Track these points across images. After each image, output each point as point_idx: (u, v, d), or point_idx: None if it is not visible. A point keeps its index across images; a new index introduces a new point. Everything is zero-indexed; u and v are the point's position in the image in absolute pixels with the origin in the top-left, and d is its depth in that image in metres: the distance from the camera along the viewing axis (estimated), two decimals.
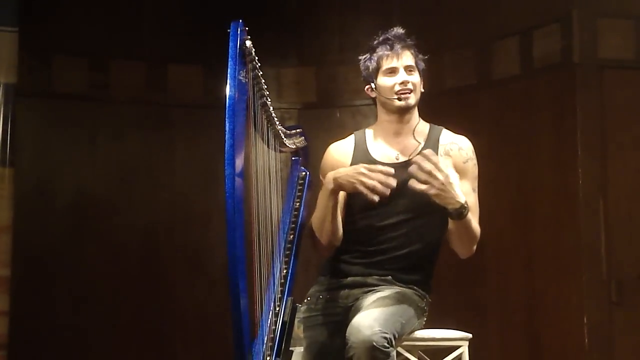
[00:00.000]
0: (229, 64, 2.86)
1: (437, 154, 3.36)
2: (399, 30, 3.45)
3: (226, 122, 2.79)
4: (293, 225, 3.54)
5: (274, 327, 3.14)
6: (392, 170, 3.16)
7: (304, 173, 3.78)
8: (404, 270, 3.35)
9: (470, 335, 3.49)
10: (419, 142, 3.41)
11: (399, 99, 3.36)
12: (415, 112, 3.44)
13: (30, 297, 5.32)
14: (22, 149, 5.25)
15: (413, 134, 3.42)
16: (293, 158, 3.82)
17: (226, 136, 2.78)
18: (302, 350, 3.35)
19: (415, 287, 3.36)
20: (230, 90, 2.83)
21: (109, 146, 5.73)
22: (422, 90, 3.43)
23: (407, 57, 3.40)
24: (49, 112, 5.65)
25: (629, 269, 4.95)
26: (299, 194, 3.69)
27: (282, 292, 3.30)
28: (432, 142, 3.41)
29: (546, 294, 5.06)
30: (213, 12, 5.68)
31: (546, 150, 5.13)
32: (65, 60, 5.67)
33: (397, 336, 3.11)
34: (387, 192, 3.12)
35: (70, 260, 5.54)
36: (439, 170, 3.06)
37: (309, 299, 3.44)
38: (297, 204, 3.64)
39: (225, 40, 2.88)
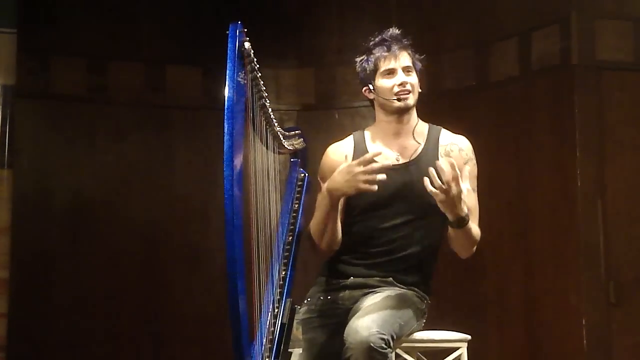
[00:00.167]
0: (227, 66, 2.85)
1: (437, 154, 3.38)
2: (396, 31, 3.45)
3: (225, 123, 2.79)
4: (292, 227, 3.55)
5: (272, 328, 3.14)
6: (380, 152, 3.14)
7: (302, 174, 3.79)
8: (404, 271, 3.35)
9: (469, 337, 3.49)
10: (419, 143, 3.41)
11: (398, 100, 3.36)
12: (414, 112, 3.44)
13: (29, 299, 5.32)
14: (20, 151, 5.25)
15: (413, 134, 3.42)
16: (292, 159, 3.82)
17: (225, 137, 2.78)
18: (300, 351, 3.35)
19: (415, 289, 3.37)
20: (229, 92, 2.83)
21: (108, 148, 5.72)
22: (420, 91, 3.43)
23: (405, 58, 3.41)
24: (47, 114, 5.64)
25: (627, 270, 4.96)
26: (298, 195, 3.69)
27: (281, 294, 3.30)
28: (431, 143, 3.42)
29: (545, 295, 5.06)
30: (212, 14, 5.68)
31: (545, 151, 5.13)
32: (64, 61, 5.66)
33: (395, 337, 3.11)
34: (384, 176, 3.10)
35: (69, 261, 5.54)
36: (458, 183, 3.04)
37: (308, 299, 3.43)
38: (296, 205, 3.65)
39: (224, 41, 2.88)
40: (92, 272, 5.57)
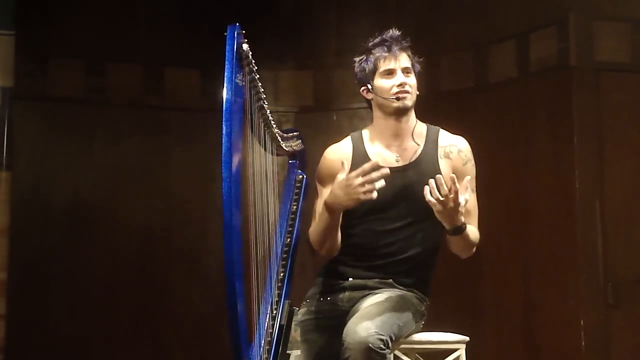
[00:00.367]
0: (225, 67, 2.86)
1: (436, 155, 3.37)
2: (396, 32, 3.44)
3: (223, 125, 2.79)
4: (290, 229, 3.55)
5: (271, 330, 3.14)
6: (377, 162, 3.14)
7: (301, 176, 3.79)
8: (404, 273, 3.35)
9: (467, 338, 3.49)
10: (418, 145, 3.41)
11: (397, 99, 3.35)
12: (412, 114, 3.43)
13: (27, 301, 5.32)
14: (18, 153, 5.25)
15: (412, 135, 3.41)
16: (290, 161, 3.83)
17: (223, 139, 2.78)
18: (299, 353, 3.35)
19: (415, 290, 3.37)
20: (227, 94, 2.83)
21: (106, 149, 5.72)
22: (418, 93, 3.43)
23: (404, 59, 3.40)
24: (45, 116, 5.64)
25: (625, 272, 4.95)
26: (296, 197, 3.70)
27: (279, 295, 3.30)
28: (430, 144, 3.41)
29: (543, 296, 5.06)
30: (210, 16, 5.68)
31: (543, 153, 5.13)
32: (61, 63, 5.66)
33: (393, 338, 3.11)
34: (383, 183, 3.10)
35: (67, 263, 5.53)
36: (457, 197, 3.04)
37: (307, 301, 3.43)
38: (294, 207, 3.65)
39: (222, 43, 2.88)
40: (90, 274, 5.56)
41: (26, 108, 5.43)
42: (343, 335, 3.07)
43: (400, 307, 3.23)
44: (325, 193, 3.35)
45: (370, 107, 3.48)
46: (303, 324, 3.36)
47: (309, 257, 3.47)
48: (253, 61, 2.95)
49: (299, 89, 6.02)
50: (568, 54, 5.01)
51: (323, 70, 5.99)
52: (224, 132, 2.79)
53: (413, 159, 3.38)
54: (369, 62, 3.41)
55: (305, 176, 3.78)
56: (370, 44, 3.44)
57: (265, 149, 3.31)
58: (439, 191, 3.03)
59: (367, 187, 3.07)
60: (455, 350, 3.44)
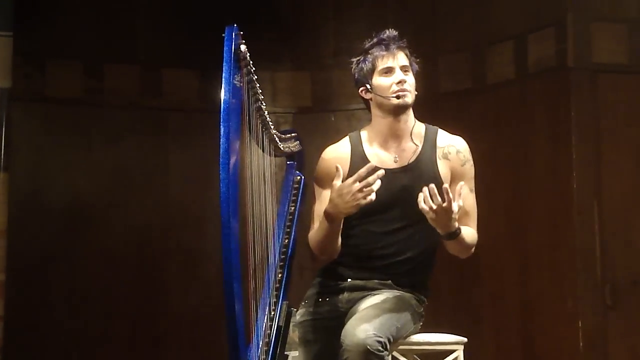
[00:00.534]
0: (223, 68, 2.86)
1: (435, 156, 3.37)
2: (393, 32, 3.44)
3: (221, 126, 2.79)
4: (288, 230, 3.55)
5: (269, 331, 3.14)
6: (373, 164, 3.13)
7: (299, 177, 3.79)
8: (403, 274, 3.35)
9: (465, 339, 3.49)
10: (417, 145, 3.40)
11: (397, 97, 3.35)
12: (411, 113, 3.42)
13: (26, 301, 5.32)
14: (16, 154, 5.24)
15: (410, 136, 3.41)
16: (288, 162, 3.82)
17: (221, 140, 2.78)
18: (297, 354, 3.35)
19: (414, 292, 3.36)
20: (224, 95, 2.83)
21: (104, 151, 5.72)
22: (416, 92, 3.42)
23: (402, 57, 3.40)
24: (43, 117, 5.64)
25: (623, 273, 4.96)
26: (294, 198, 3.70)
27: (277, 297, 3.30)
28: (429, 145, 3.40)
29: (541, 298, 5.06)
30: (207, 17, 5.68)
31: (541, 154, 5.14)
32: (59, 64, 5.66)
33: (392, 340, 3.11)
34: (379, 183, 3.09)
35: (66, 264, 5.53)
36: (450, 207, 3.05)
37: (306, 301, 3.43)
38: (292, 208, 3.65)
39: (220, 44, 2.88)
40: (88, 275, 5.56)
41: (24, 109, 5.42)
42: (341, 337, 3.07)
43: (399, 308, 3.23)
44: (323, 194, 3.35)
45: (368, 107, 3.46)
46: (301, 325, 3.35)
47: (307, 258, 3.48)
48: (251, 62, 2.95)
49: (296, 90, 6.02)
50: (566, 55, 5.02)
51: (321, 71, 5.99)
52: (221, 133, 2.79)
53: (411, 160, 3.38)
54: (367, 62, 3.40)
55: (303, 177, 3.78)
56: (367, 45, 3.44)
57: (263, 150, 3.31)
58: (432, 199, 3.04)
59: (365, 191, 3.07)
60: (453, 351, 3.45)
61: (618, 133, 5.04)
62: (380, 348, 3.01)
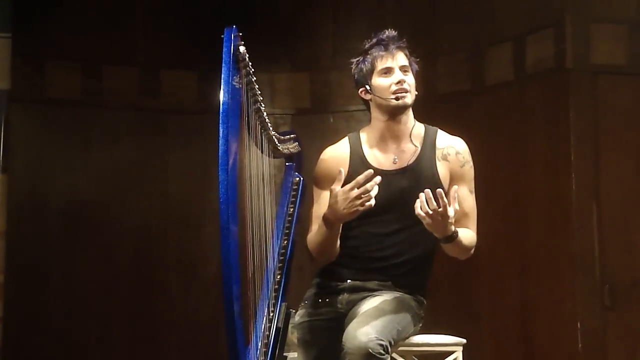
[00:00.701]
0: (222, 70, 2.86)
1: (434, 157, 3.37)
2: (392, 32, 3.43)
3: (220, 127, 2.79)
4: (287, 231, 3.54)
5: (267, 332, 3.14)
6: (372, 171, 3.13)
7: (298, 178, 3.78)
8: (403, 276, 3.34)
9: (464, 341, 3.49)
10: (416, 146, 3.39)
11: (397, 99, 3.34)
12: (411, 114, 3.41)
13: (25, 303, 5.31)
14: (15, 155, 5.24)
15: (410, 137, 3.40)
16: (287, 163, 3.82)
17: (220, 142, 2.78)
18: (296, 355, 3.35)
19: (414, 293, 3.36)
20: (223, 96, 2.83)
21: (103, 152, 5.72)
22: (416, 93, 3.42)
23: (402, 58, 3.39)
24: (42, 118, 5.64)
25: (622, 274, 4.96)
26: (293, 199, 3.69)
27: (276, 298, 3.30)
28: (428, 145, 3.39)
29: (540, 299, 5.07)
30: (206, 18, 5.68)
31: (539, 155, 5.14)
32: (58, 66, 5.66)
33: (393, 343, 3.11)
34: (377, 189, 3.10)
35: (64, 266, 5.54)
36: (446, 212, 3.05)
37: (305, 302, 3.42)
38: (291, 209, 3.64)
39: (219, 45, 2.88)
40: (86, 276, 5.56)
41: (23, 110, 5.42)
42: (343, 340, 3.07)
43: (399, 310, 3.23)
44: (322, 196, 3.35)
45: (368, 108, 3.45)
46: (300, 326, 3.35)
47: (306, 260, 3.46)
48: (250, 63, 2.95)
49: (295, 91, 6.02)
50: (564, 56, 5.02)
51: (320, 72, 5.99)
52: (220, 134, 2.79)
53: (411, 161, 3.37)
54: (366, 62, 3.39)
55: (302, 178, 3.78)
56: (367, 45, 3.43)
57: (262, 152, 3.31)
58: (428, 204, 3.04)
59: (364, 197, 3.07)
60: (452, 352, 3.45)
61: (617, 134, 5.04)
62: (381, 351, 3.01)
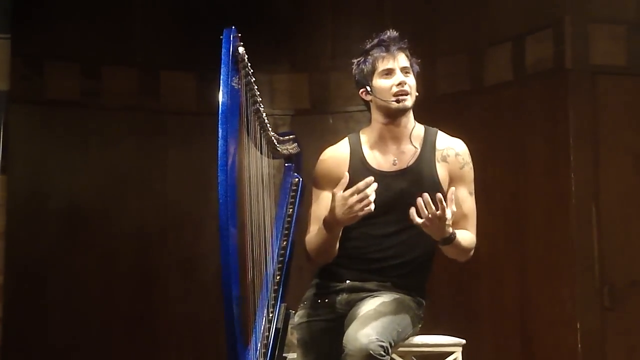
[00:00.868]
0: (221, 71, 2.86)
1: (433, 159, 3.36)
2: (394, 33, 3.42)
3: (219, 128, 2.80)
4: (286, 232, 3.54)
5: (267, 333, 3.14)
6: (372, 179, 3.12)
7: (297, 179, 3.78)
8: (402, 277, 3.34)
9: (463, 341, 3.49)
10: (416, 147, 3.39)
11: (397, 101, 3.34)
12: (411, 115, 3.41)
13: (23, 304, 5.31)
14: (14, 156, 5.24)
15: (410, 138, 3.40)
16: (286, 164, 3.82)
17: (219, 142, 2.78)
18: (295, 356, 3.35)
19: (413, 294, 3.36)
20: (223, 97, 2.83)
21: (102, 153, 5.72)
22: (417, 94, 3.42)
23: (403, 59, 3.38)
24: (41, 119, 5.64)
25: (621, 274, 4.96)
26: (292, 200, 3.69)
27: (276, 299, 3.30)
28: (428, 147, 3.39)
29: (539, 299, 5.07)
30: (205, 19, 5.68)
31: (539, 156, 5.14)
32: (57, 67, 5.66)
33: (393, 344, 3.12)
34: (374, 196, 3.10)
35: (63, 266, 5.53)
36: (444, 215, 3.06)
37: (304, 303, 3.42)
38: (290, 210, 3.65)
39: (218, 46, 2.88)
40: (86, 277, 5.56)
41: (22, 111, 5.42)
42: (343, 342, 3.07)
43: (399, 311, 3.23)
44: (321, 196, 3.35)
45: (368, 109, 3.45)
46: (300, 326, 3.35)
47: (305, 260, 3.46)
48: (249, 64, 2.95)
49: (295, 92, 6.02)
50: (564, 56, 5.02)
51: (319, 73, 5.99)
52: (219, 135, 2.79)
53: (410, 162, 3.37)
54: (367, 63, 3.39)
55: (301, 179, 3.78)
56: (368, 46, 3.43)
57: (261, 152, 3.31)
58: (426, 208, 3.04)
59: (364, 202, 3.07)
60: (451, 353, 3.45)
61: (616, 134, 5.04)
62: (382, 353, 3.01)
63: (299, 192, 3.74)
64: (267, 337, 3.13)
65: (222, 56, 2.87)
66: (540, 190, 5.12)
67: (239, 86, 2.90)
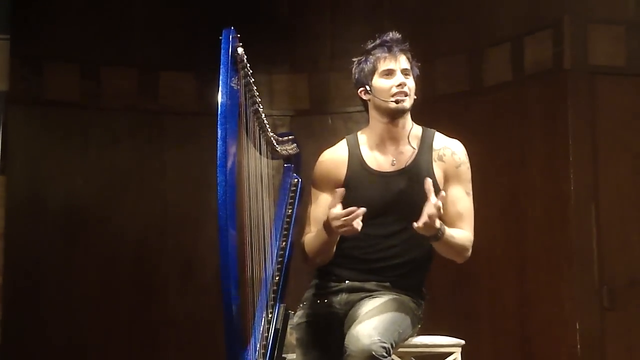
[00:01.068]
0: (220, 71, 2.86)
1: (431, 159, 3.37)
2: (396, 34, 3.42)
3: (218, 129, 2.80)
4: (285, 232, 3.54)
5: (266, 334, 3.14)
6: (365, 210, 3.12)
7: (296, 180, 3.78)
8: (402, 277, 3.34)
9: (463, 342, 3.50)
10: (414, 148, 3.39)
11: (396, 102, 3.34)
12: (409, 116, 3.41)
13: (22, 304, 5.31)
14: (13, 157, 5.24)
15: (408, 139, 3.40)
16: (285, 165, 3.82)
17: (218, 143, 2.78)
18: (294, 357, 3.35)
19: (413, 295, 3.36)
20: (222, 97, 2.83)
21: (101, 153, 5.72)
22: (415, 97, 3.42)
23: (404, 61, 3.38)
24: (40, 120, 5.64)
25: (621, 275, 4.96)
26: (291, 200, 3.69)
27: (275, 299, 3.30)
28: (425, 147, 3.39)
29: (538, 299, 5.07)
30: (205, 19, 5.68)
31: (538, 156, 5.14)
32: (57, 67, 5.66)
33: (394, 345, 3.12)
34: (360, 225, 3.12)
35: (63, 267, 5.53)
36: (438, 213, 3.07)
37: (304, 303, 3.42)
38: (290, 210, 3.64)
39: (217, 47, 2.88)
40: (85, 278, 5.56)
41: (21, 112, 5.43)
42: (345, 343, 3.07)
43: (400, 312, 3.23)
44: (320, 198, 3.36)
45: (366, 108, 3.44)
46: (299, 327, 3.35)
47: (302, 261, 3.46)
48: (248, 65, 2.95)
49: (294, 93, 6.02)
50: (563, 57, 5.02)
51: (318, 73, 5.99)
52: (219, 135, 2.79)
53: (408, 162, 3.37)
54: (368, 63, 3.39)
55: (300, 180, 3.78)
56: (369, 45, 3.43)
57: (260, 153, 3.31)
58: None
59: (356, 222, 3.09)
60: (450, 353, 3.45)
61: (615, 134, 5.04)
62: (384, 353, 3.01)
63: (298, 193, 3.74)
64: (266, 337, 3.13)
65: (221, 57, 2.87)
66: (539, 191, 5.12)
67: (238, 87, 2.90)
